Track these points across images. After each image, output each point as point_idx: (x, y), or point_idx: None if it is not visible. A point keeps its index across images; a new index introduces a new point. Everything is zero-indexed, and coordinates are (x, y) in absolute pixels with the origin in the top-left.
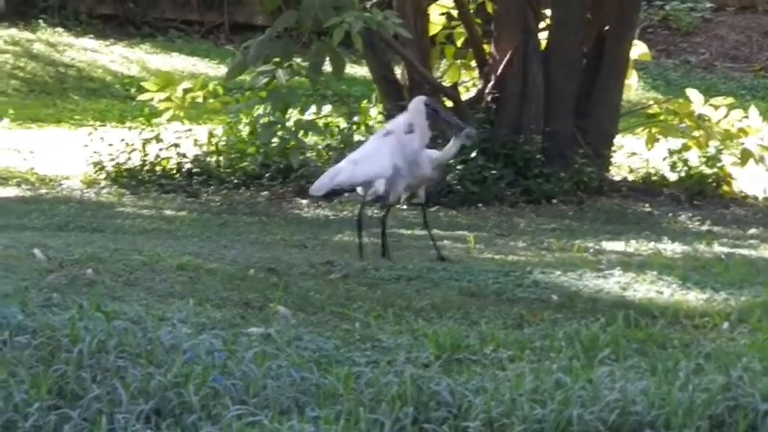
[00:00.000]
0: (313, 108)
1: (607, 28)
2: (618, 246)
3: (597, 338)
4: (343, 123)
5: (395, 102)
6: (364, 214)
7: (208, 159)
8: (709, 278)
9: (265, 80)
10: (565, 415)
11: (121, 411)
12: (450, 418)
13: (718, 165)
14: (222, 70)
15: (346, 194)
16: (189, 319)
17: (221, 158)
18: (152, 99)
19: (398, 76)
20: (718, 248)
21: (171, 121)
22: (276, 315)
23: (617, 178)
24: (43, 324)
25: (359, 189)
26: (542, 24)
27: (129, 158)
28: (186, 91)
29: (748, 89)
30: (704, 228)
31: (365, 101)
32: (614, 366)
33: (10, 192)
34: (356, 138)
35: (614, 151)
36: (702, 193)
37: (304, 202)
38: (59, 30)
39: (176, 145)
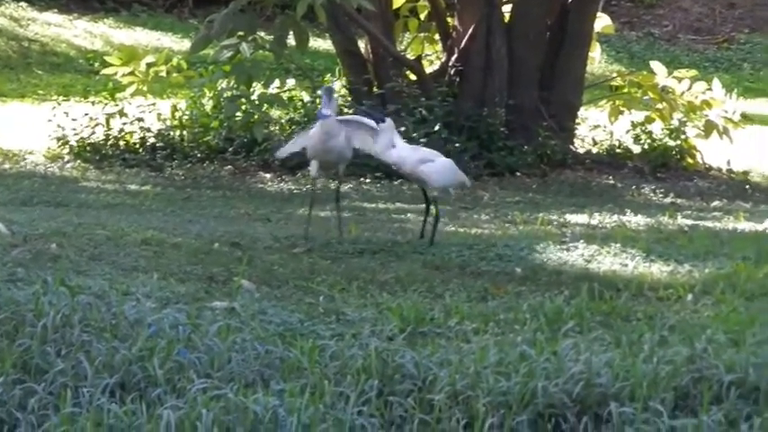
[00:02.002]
0: (277, 82)
1: (570, 0)
2: (582, 218)
3: (561, 311)
4: (306, 97)
5: (359, 76)
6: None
7: (171, 133)
8: (673, 250)
9: (229, 54)
10: (529, 387)
11: (86, 385)
12: (415, 391)
13: (682, 137)
14: (186, 44)
15: None
16: (153, 294)
17: (185, 132)
18: (116, 73)
19: (362, 50)
20: (681, 220)
21: (134, 96)
22: (240, 289)
23: (581, 151)
24: (7, 299)
25: None
26: None
27: (93, 133)
28: (150, 65)
29: (712, 61)
30: (668, 200)
31: (329, 74)
32: (578, 339)
33: None
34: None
35: (578, 124)
36: (666, 166)
37: (268, 176)
38: (23, 4)
39: (140, 119)
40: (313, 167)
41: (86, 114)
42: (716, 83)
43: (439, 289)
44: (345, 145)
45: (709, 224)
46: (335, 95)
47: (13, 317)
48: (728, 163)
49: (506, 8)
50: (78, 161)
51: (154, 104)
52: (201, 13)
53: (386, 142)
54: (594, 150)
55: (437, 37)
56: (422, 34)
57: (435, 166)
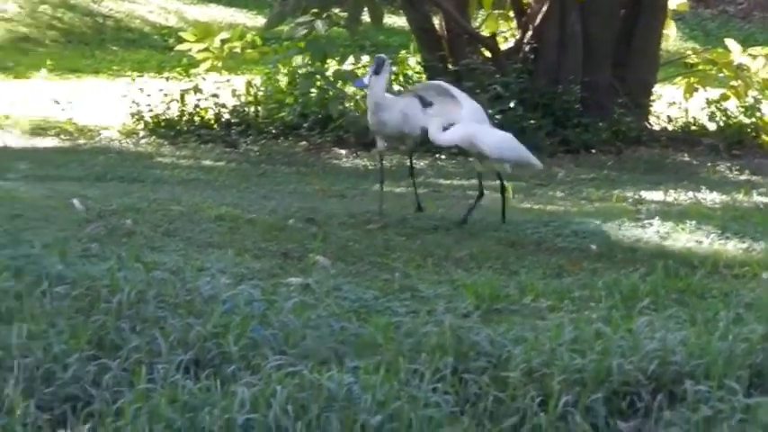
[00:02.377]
0: (351, 58)
1: None
2: (657, 195)
3: (637, 288)
4: None
5: (433, 52)
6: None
7: (246, 110)
8: (749, 228)
9: (304, 31)
10: (604, 365)
11: (161, 361)
12: (490, 368)
13: (757, 114)
14: (260, 21)
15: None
16: (228, 270)
17: (260, 109)
18: (190, 50)
19: (437, 27)
20: (757, 198)
21: (209, 72)
22: (315, 265)
23: (656, 128)
24: (82, 274)
25: None
26: None
27: (168, 109)
28: (224, 41)
29: None
30: (743, 177)
31: (403, 51)
32: (654, 316)
33: (49, 142)
34: (394, 88)
35: (653, 101)
36: (741, 143)
37: (342, 152)
38: None
39: (215, 95)
40: (379, 142)
41: (161, 90)
42: None
43: (514, 266)
44: (402, 120)
45: None
46: (389, 67)
47: (87, 292)
48: None
49: None
50: (153, 137)
51: (228, 81)
52: None
53: (435, 128)
54: (669, 127)
55: (511, 14)
56: (496, 11)
57: (490, 136)
